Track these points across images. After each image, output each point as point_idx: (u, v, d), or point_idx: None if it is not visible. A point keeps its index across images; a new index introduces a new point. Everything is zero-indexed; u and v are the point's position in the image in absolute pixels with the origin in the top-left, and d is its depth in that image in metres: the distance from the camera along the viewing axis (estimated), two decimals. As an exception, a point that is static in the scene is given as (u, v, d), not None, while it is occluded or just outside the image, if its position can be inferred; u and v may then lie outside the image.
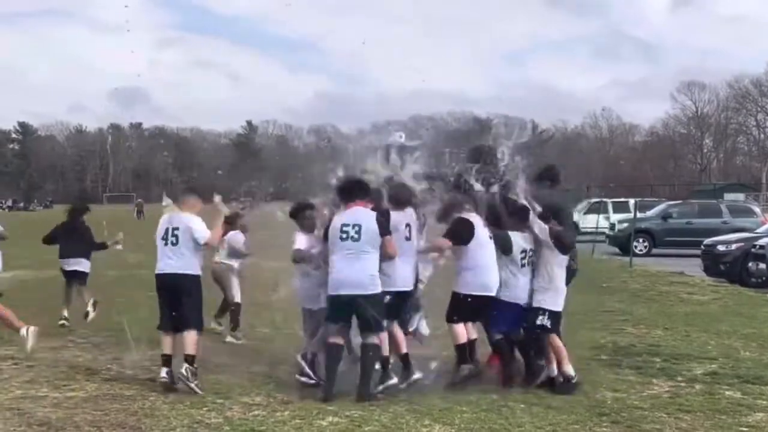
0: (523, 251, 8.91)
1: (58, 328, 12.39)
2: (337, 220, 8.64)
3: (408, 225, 8.95)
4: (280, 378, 9.06)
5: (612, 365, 9.93)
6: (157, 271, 8.92)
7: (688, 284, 19.43)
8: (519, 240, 8.92)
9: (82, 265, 13.47)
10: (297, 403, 8.05)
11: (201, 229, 8.84)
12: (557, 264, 8.87)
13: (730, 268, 20.56)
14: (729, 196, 47.62)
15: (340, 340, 8.59)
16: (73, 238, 13.54)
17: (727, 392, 8.61)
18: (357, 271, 8.40)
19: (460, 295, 8.91)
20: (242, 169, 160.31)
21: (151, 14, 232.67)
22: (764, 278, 19.21)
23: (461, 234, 8.87)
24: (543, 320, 8.73)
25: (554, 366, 8.77)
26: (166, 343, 8.84)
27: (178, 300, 8.81)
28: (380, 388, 8.47)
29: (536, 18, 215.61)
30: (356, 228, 8.47)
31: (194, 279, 8.88)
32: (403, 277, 8.84)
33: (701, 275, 21.23)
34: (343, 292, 8.40)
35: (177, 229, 8.84)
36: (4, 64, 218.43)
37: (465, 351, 8.81)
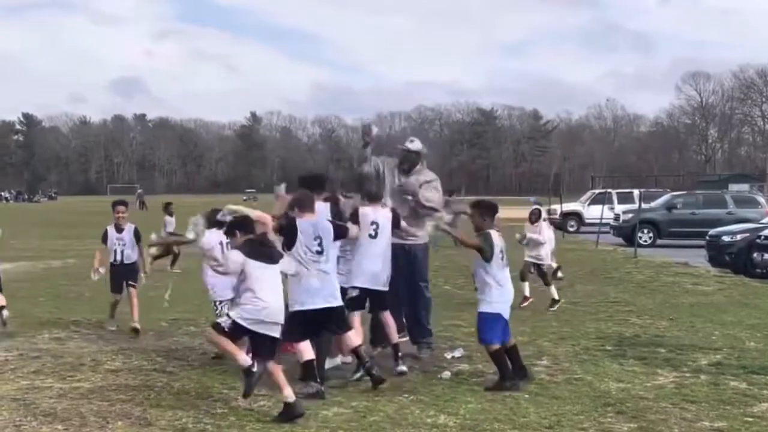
0: (501, 250, 8.50)
1: (64, 319, 12.41)
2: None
3: (374, 223, 8.99)
4: (285, 368, 9.04)
5: (617, 356, 9.92)
6: None
7: (693, 275, 19.41)
8: (495, 238, 8.54)
9: None
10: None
11: None
12: None
13: (735, 259, 20.52)
14: (734, 187, 47.47)
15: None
16: None
17: (732, 383, 8.60)
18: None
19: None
20: (246, 159, 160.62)
21: (149, 5, 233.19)
22: (769, 268, 19.15)
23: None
24: None
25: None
26: None
27: None
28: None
29: (531, 10, 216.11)
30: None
31: None
32: (370, 274, 8.98)
33: (706, 266, 21.20)
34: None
35: None
36: (7, 55, 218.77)
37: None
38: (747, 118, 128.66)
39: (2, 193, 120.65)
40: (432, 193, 9.99)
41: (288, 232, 8.05)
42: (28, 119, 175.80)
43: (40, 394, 8.06)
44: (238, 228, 7.83)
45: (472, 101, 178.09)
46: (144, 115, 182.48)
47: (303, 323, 7.99)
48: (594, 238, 30.52)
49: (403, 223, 9.49)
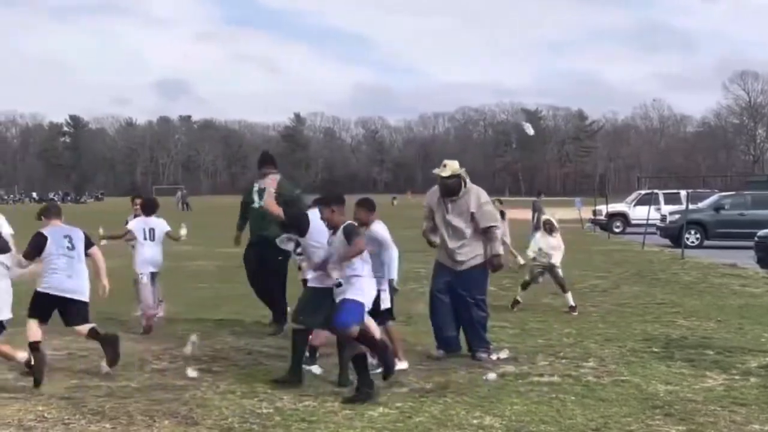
0: None
1: (113, 320, 12.52)
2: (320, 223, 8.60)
3: None
4: (330, 369, 9.05)
5: (664, 358, 9.82)
6: None
7: (741, 276, 19.17)
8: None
9: None
10: (347, 394, 8.06)
11: None
12: None
13: (785, 260, 20.22)
14: (782, 187, 46.81)
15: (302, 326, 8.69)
16: None
17: (782, 385, 8.47)
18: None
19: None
20: (290, 160, 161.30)
21: (193, 7, 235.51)
22: (819, 270, 18.86)
23: None
24: None
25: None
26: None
27: None
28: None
29: (575, 9, 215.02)
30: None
31: None
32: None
33: (754, 267, 20.91)
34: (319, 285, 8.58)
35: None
36: (53, 57, 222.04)
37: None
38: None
39: (50, 194, 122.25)
40: (493, 211, 9.97)
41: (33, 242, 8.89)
42: (75, 121, 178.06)
43: (88, 393, 8.15)
44: None
45: (517, 101, 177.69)
46: (189, 117, 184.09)
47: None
48: (640, 239, 30.27)
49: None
